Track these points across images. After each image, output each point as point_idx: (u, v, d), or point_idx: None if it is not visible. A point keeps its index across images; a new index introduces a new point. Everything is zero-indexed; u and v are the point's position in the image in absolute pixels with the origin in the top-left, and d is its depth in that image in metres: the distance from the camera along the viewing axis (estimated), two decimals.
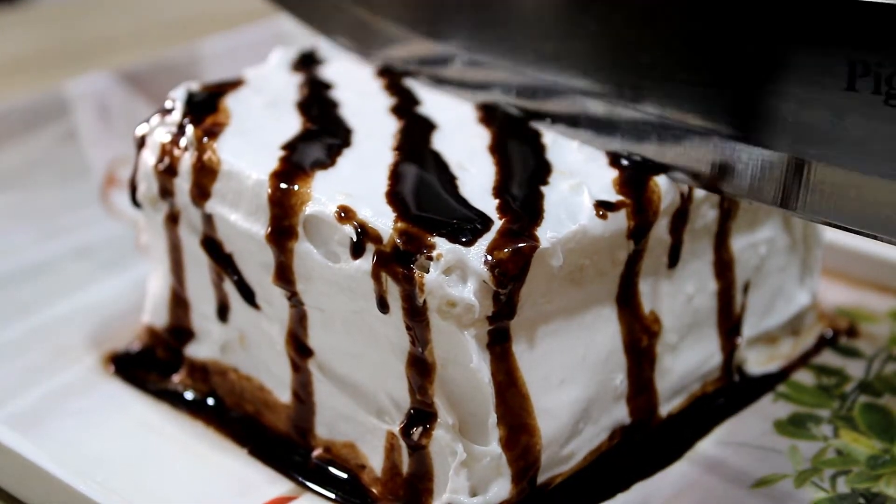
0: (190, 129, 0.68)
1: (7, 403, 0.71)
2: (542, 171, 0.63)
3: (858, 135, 0.55)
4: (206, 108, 0.70)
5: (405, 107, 0.70)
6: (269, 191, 0.62)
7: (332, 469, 0.66)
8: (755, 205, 0.61)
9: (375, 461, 0.64)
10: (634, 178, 0.62)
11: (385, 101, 0.71)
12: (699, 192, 0.64)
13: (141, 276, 0.78)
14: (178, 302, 0.72)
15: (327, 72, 0.75)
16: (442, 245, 0.57)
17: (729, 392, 0.71)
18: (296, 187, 0.62)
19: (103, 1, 1.39)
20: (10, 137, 0.90)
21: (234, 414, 0.71)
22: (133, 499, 0.62)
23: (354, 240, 0.59)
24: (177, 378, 0.73)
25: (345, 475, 0.65)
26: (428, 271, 0.57)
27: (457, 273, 0.57)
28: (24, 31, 1.31)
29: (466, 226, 0.58)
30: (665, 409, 0.69)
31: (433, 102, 0.71)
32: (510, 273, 0.57)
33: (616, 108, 0.63)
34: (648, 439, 0.67)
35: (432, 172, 0.63)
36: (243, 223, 0.64)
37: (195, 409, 0.71)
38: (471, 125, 0.68)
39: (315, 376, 0.65)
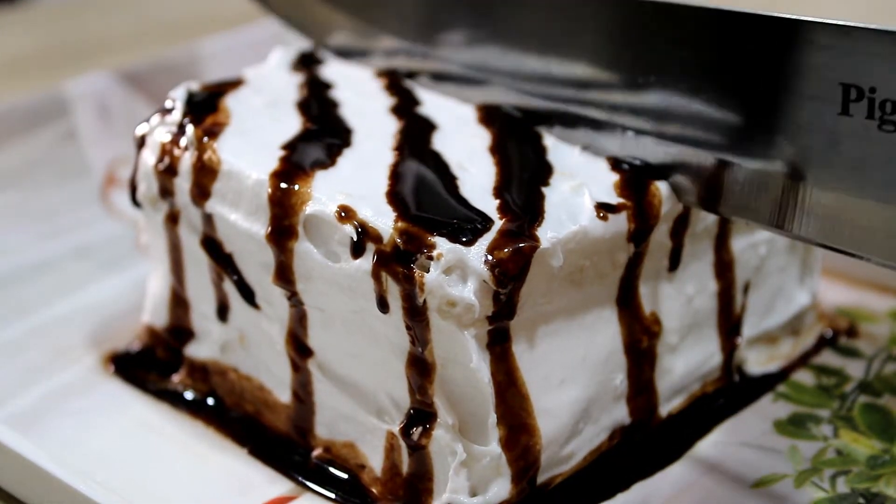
0: (190, 128, 0.68)
1: (7, 403, 0.71)
2: (542, 172, 0.63)
3: (853, 158, 0.56)
4: (206, 107, 0.70)
5: (405, 107, 0.70)
6: (270, 190, 0.62)
7: (331, 469, 0.66)
8: (752, 225, 0.62)
9: (375, 461, 0.64)
10: (636, 182, 0.62)
11: (385, 101, 0.71)
12: None
13: (141, 275, 0.78)
14: (178, 302, 0.72)
15: (327, 72, 0.75)
16: (442, 245, 0.57)
17: (729, 392, 0.71)
18: (296, 187, 0.62)
19: (103, 1, 1.39)
20: (10, 137, 0.90)
21: (233, 414, 0.71)
22: (133, 498, 0.62)
23: (355, 239, 0.59)
24: (177, 378, 0.73)
25: (345, 475, 0.65)
26: (428, 271, 0.57)
27: (457, 273, 0.57)
28: (24, 31, 1.31)
29: (467, 225, 0.58)
30: (665, 409, 0.69)
31: (433, 102, 0.71)
32: (510, 273, 0.57)
33: (615, 132, 0.64)
34: (648, 439, 0.67)
35: (433, 172, 0.63)
36: (243, 223, 0.64)
37: (195, 409, 0.71)
38: (471, 126, 0.68)
39: (315, 376, 0.65)
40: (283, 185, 0.62)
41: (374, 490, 0.64)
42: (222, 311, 0.70)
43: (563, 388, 0.62)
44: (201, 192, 0.66)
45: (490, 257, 0.57)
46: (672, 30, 0.61)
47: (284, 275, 0.63)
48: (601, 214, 0.60)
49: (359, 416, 0.64)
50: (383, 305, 0.59)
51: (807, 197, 0.58)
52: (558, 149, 0.65)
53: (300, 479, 0.65)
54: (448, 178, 0.62)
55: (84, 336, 0.77)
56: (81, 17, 1.34)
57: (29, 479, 0.64)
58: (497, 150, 0.65)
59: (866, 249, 0.57)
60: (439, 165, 0.64)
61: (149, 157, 0.69)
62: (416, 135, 0.67)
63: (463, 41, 0.70)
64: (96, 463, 0.66)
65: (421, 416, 0.60)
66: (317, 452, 0.66)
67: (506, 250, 0.57)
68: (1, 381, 0.72)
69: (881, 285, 0.80)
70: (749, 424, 0.68)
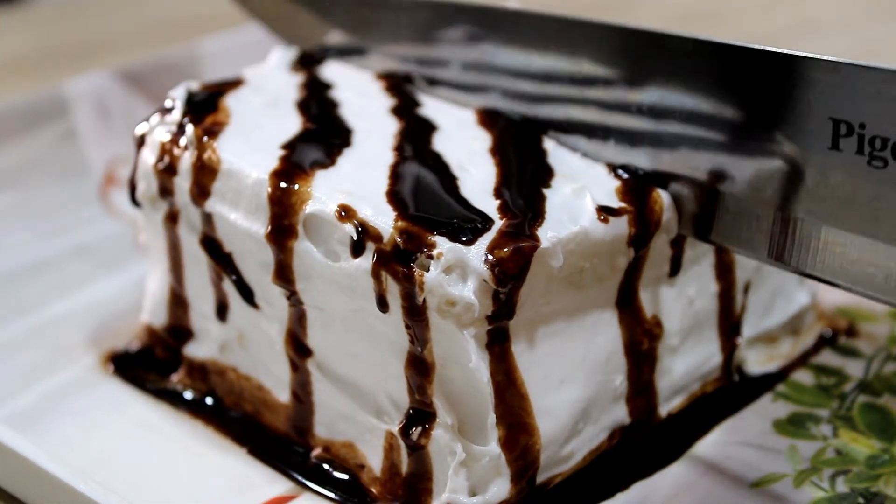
0: (190, 128, 0.68)
1: (7, 403, 0.70)
2: (544, 174, 0.63)
3: (843, 193, 0.56)
4: (205, 107, 0.70)
5: (406, 107, 0.70)
6: (269, 190, 0.62)
7: (331, 469, 0.66)
8: (745, 255, 0.63)
9: (374, 461, 0.64)
10: (637, 188, 0.62)
11: (385, 101, 0.71)
12: None
13: (140, 275, 0.78)
14: (178, 301, 0.72)
15: (327, 72, 0.75)
16: (442, 244, 0.57)
17: (728, 392, 0.71)
18: (296, 186, 0.62)
19: (103, 1, 1.39)
20: (10, 137, 0.90)
21: (233, 413, 0.71)
22: (133, 498, 0.62)
23: (355, 238, 0.59)
24: (176, 377, 0.73)
25: (344, 475, 0.65)
26: (428, 270, 0.57)
27: (457, 272, 0.57)
28: (24, 31, 1.31)
29: (467, 225, 0.58)
30: (665, 408, 0.69)
31: (434, 103, 0.71)
32: (510, 272, 0.57)
33: (607, 145, 0.64)
34: (648, 439, 0.67)
35: (433, 172, 0.63)
36: (243, 222, 0.64)
37: (194, 409, 0.71)
38: (472, 127, 0.68)
39: (314, 376, 0.65)
40: (283, 185, 0.62)
41: (373, 490, 0.64)
42: (221, 311, 0.70)
43: (562, 388, 0.62)
44: (201, 192, 0.66)
45: (490, 256, 0.57)
46: (665, 60, 0.61)
47: (284, 274, 0.63)
48: (602, 217, 0.60)
49: (358, 416, 0.64)
50: (383, 305, 0.59)
51: (799, 230, 0.58)
52: (559, 152, 0.65)
53: (299, 478, 0.65)
54: (448, 179, 0.62)
55: (83, 335, 0.77)
56: (81, 17, 1.34)
57: (29, 479, 0.64)
58: (498, 151, 0.65)
59: (856, 284, 0.57)
60: (439, 166, 0.64)
61: (148, 156, 0.69)
62: (416, 135, 0.67)
63: (457, 67, 0.71)
64: (96, 463, 0.65)
65: (420, 415, 0.60)
66: (316, 452, 0.66)
67: (506, 249, 0.57)
68: (1, 380, 0.72)
69: None
70: (748, 424, 0.68)
